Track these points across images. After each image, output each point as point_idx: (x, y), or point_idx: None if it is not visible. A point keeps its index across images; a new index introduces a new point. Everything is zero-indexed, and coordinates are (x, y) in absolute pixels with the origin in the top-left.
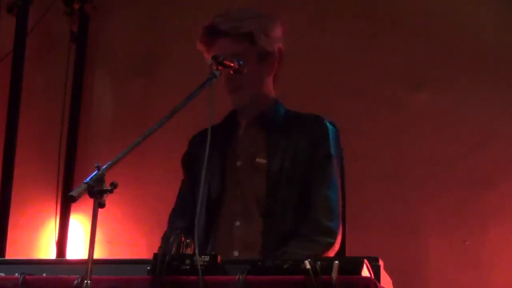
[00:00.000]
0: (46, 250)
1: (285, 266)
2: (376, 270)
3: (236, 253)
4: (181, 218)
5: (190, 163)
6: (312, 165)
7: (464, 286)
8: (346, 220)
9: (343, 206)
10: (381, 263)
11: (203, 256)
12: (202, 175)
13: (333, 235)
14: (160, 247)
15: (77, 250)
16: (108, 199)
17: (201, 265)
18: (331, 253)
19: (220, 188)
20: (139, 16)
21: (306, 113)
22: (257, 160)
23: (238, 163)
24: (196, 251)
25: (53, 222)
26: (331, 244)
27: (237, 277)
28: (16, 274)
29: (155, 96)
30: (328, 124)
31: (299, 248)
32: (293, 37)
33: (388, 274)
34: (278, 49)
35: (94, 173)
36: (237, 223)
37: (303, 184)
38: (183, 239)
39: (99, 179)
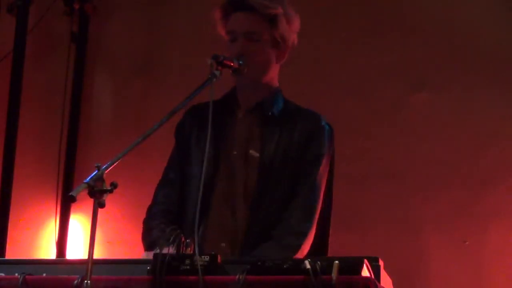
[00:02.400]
0: (46, 250)
1: (285, 266)
2: (376, 270)
3: (223, 245)
4: (165, 192)
5: (182, 137)
6: (300, 162)
7: (464, 286)
8: (336, 220)
9: (330, 205)
10: (381, 263)
11: (203, 256)
12: (202, 179)
13: (302, 237)
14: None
15: (77, 250)
16: (108, 199)
17: (201, 265)
18: (299, 255)
19: (212, 174)
20: (139, 16)
21: (305, 109)
22: (251, 152)
23: (234, 152)
24: (196, 251)
25: (53, 222)
26: (298, 247)
27: (237, 277)
28: (16, 274)
29: (155, 96)
30: (324, 123)
31: (268, 254)
32: None
33: (388, 274)
34: (293, 40)
35: (94, 173)
36: (228, 213)
37: (292, 181)
38: (183, 239)
39: (99, 179)
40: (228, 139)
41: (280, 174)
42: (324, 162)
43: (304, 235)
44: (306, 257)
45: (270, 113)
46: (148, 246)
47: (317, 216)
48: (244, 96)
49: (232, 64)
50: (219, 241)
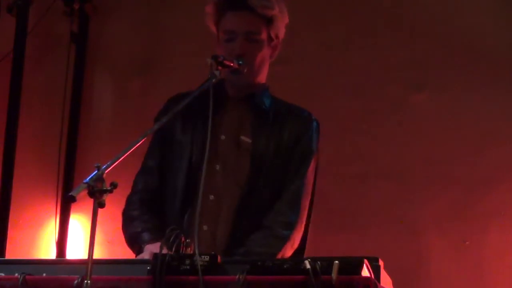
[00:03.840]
0: (46, 250)
1: (285, 266)
2: (376, 270)
3: (205, 227)
4: (144, 180)
5: (165, 126)
6: (291, 158)
7: (464, 286)
8: (336, 220)
9: (312, 201)
10: (381, 263)
11: (203, 256)
12: (203, 172)
13: (292, 228)
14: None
15: (77, 250)
16: (108, 199)
17: (201, 265)
18: (289, 247)
19: (201, 159)
20: (139, 16)
21: (293, 105)
22: (242, 137)
23: (222, 137)
24: (196, 251)
25: (53, 222)
26: (287, 237)
27: (237, 277)
28: (16, 274)
29: (155, 96)
30: (313, 118)
31: (258, 246)
32: (293, 36)
33: (388, 274)
34: (282, 35)
35: (94, 173)
36: (211, 197)
37: (283, 176)
38: (183, 239)
39: (99, 179)
40: (216, 126)
41: (271, 168)
42: (314, 158)
43: (293, 226)
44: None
45: (260, 106)
46: (130, 237)
47: (306, 209)
48: (234, 90)
49: (232, 64)
50: (201, 224)
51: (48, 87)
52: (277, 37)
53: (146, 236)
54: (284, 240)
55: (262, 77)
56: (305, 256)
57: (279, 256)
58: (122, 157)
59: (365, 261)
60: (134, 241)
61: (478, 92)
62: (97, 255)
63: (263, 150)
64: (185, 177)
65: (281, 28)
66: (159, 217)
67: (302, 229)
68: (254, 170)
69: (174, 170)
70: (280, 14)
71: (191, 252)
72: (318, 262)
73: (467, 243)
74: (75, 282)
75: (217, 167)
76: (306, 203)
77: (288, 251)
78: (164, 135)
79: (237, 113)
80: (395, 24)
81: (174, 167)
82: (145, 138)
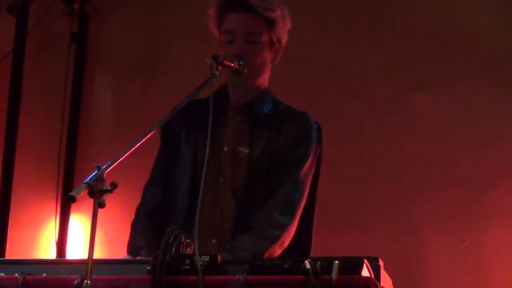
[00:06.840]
0: (46, 250)
1: (285, 266)
2: (376, 270)
3: (214, 241)
4: (151, 192)
5: (169, 136)
6: (286, 161)
7: (464, 286)
8: (336, 220)
9: (313, 204)
10: (381, 263)
11: (203, 256)
12: (202, 177)
13: (281, 229)
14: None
15: (77, 250)
16: (108, 199)
17: (201, 265)
18: (278, 247)
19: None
20: (139, 16)
21: (294, 109)
22: (239, 148)
23: (225, 149)
24: (196, 251)
25: (53, 222)
26: (277, 238)
27: (237, 277)
28: (16, 274)
29: (155, 96)
30: (312, 122)
31: (246, 243)
32: (293, 37)
33: (388, 274)
34: (285, 39)
35: (94, 173)
36: (218, 211)
37: (276, 177)
38: (183, 239)
39: (99, 179)
40: (218, 136)
41: (267, 175)
42: (309, 162)
43: (283, 227)
44: (287, 253)
45: (258, 114)
46: (130, 251)
47: (299, 212)
48: (235, 95)
49: (232, 64)
50: (210, 238)
51: (48, 87)
52: (278, 41)
53: (143, 253)
54: (273, 240)
55: (263, 81)
56: None
57: (266, 255)
58: (122, 157)
59: (365, 261)
60: (132, 256)
61: (478, 92)
62: (97, 255)
63: (260, 158)
64: (189, 190)
65: (282, 32)
66: (162, 231)
67: (294, 230)
68: (250, 179)
69: (179, 183)
70: (282, 18)
71: (191, 252)
72: (318, 262)
73: (466, 243)
74: (75, 282)
75: (221, 179)
76: (298, 205)
77: (276, 251)
78: (170, 148)
79: (236, 123)
80: (395, 24)
81: (178, 180)
82: (145, 138)
